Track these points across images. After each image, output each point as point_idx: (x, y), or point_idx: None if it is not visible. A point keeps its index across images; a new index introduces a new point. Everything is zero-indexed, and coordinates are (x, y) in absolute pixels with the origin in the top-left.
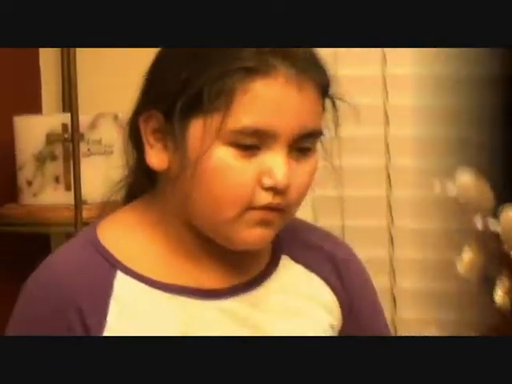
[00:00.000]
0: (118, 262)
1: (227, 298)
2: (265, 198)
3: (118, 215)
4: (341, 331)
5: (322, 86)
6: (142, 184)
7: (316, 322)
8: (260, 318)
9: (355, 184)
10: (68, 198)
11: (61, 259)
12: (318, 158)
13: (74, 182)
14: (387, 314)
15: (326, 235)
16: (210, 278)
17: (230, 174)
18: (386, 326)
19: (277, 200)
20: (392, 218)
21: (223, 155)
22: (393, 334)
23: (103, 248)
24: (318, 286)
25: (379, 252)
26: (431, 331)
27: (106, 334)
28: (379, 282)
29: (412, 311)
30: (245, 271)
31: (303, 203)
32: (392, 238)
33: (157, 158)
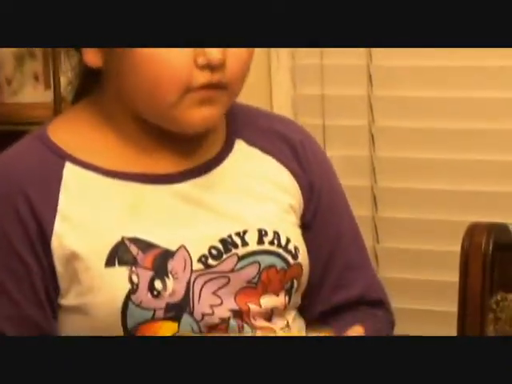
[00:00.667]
0: (66, 153)
1: (179, 181)
2: (203, 77)
3: (67, 114)
4: (305, 214)
5: None
6: (86, 84)
7: (274, 203)
8: (214, 199)
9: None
10: (47, 96)
11: (9, 153)
12: None
13: (53, 80)
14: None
15: (282, 119)
16: (161, 165)
17: (164, 56)
18: (348, 205)
19: (216, 77)
20: (373, 117)
21: None
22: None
23: (51, 142)
24: (275, 167)
25: (359, 152)
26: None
27: (57, 221)
28: (360, 181)
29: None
30: (197, 156)
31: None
32: (373, 138)
33: (92, 55)
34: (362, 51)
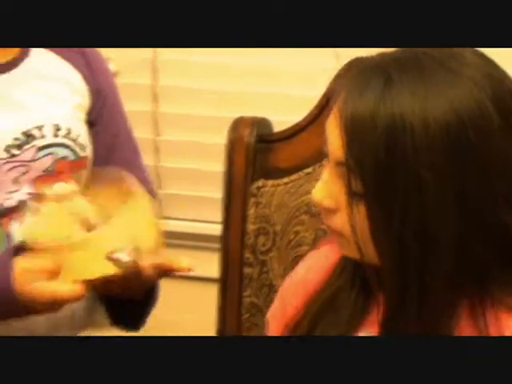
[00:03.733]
0: None
1: None
2: None
3: None
4: (91, 113)
5: None
6: None
7: (67, 102)
8: (17, 95)
9: None
10: None
11: None
12: None
13: None
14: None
15: None
16: None
17: None
18: (124, 112)
19: None
20: None
21: None
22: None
23: None
24: (70, 71)
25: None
26: None
27: None
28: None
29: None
30: None
31: None
32: None
33: None
34: None
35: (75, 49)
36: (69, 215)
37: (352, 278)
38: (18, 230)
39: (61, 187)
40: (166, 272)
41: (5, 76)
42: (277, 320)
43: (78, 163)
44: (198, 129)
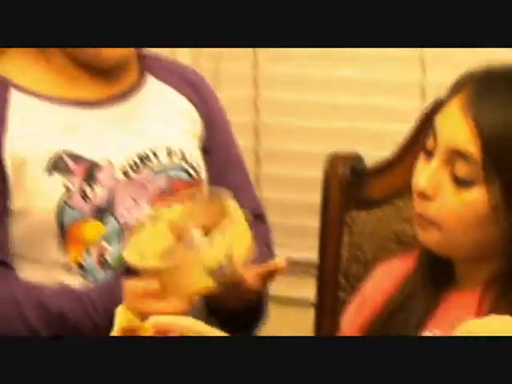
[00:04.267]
0: (10, 82)
1: (106, 106)
2: None
3: (5, 51)
4: (203, 140)
5: None
6: None
7: (180, 128)
8: (133, 122)
9: None
10: None
11: None
12: None
13: None
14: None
15: (185, 65)
16: (88, 92)
17: None
18: (235, 137)
19: None
20: None
21: None
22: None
23: None
24: (181, 100)
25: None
26: None
27: (8, 136)
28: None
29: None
30: (116, 87)
31: None
32: None
33: None
34: None
35: (186, 79)
36: (174, 234)
37: (423, 281)
38: (128, 248)
39: (169, 208)
40: (267, 277)
41: (124, 104)
42: (350, 322)
43: (192, 184)
44: (297, 163)
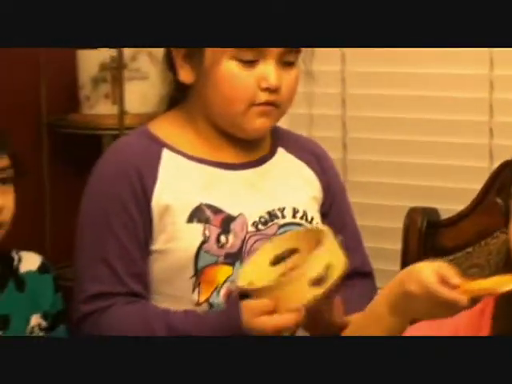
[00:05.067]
0: (163, 142)
1: (241, 169)
2: (263, 96)
3: (162, 117)
4: (323, 205)
5: None
6: (177, 96)
7: (304, 192)
8: (264, 183)
9: None
10: (114, 109)
11: (122, 142)
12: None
13: (119, 98)
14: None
15: (310, 139)
16: (228, 157)
17: (236, 79)
18: (350, 203)
19: (272, 97)
20: None
21: (229, 67)
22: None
23: (153, 134)
24: (305, 169)
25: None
26: None
27: (156, 188)
28: None
29: None
30: (253, 154)
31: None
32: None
33: (186, 75)
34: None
35: (311, 152)
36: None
37: None
38: (241, 277)
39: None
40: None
41: (257, 169)
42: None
43: None
44: (378, 216)
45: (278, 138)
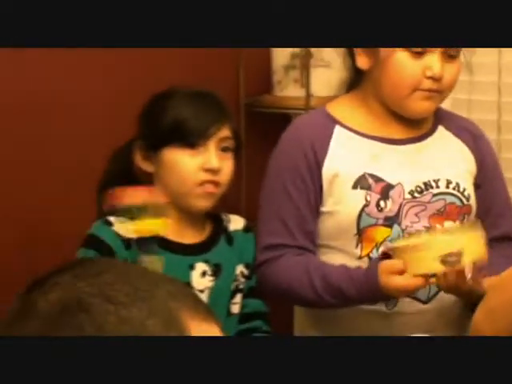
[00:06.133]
0: (336, 120)
1: (404, 144)
2: (427, 83)
3: (339, 99)
4: (476, 178)
5: None
6: (354, 81)
7: (459, 166)
8: (423, 157)
9: None
10: (302, 92)
11: (300, 120)
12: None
13: (306, 82)
14: None
15: (469, 120)
16: (393, 133)
17: (407, 67)
18: (503, 178)
19: (435, 85)
20: None
21: (401, 57)
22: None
23: (328, 113)
24: (461, 146)
25: None
26: None
27: (327, 157)
28: None
29: None
30: (416, 131)
31: None
32: None
33: (363, 62)
34: None
35: (468, 131)
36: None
37: None
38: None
39: (449, 224)
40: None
41: (418, 144)
42: None
43: (463, 209)
44: None
45: (440, 118)
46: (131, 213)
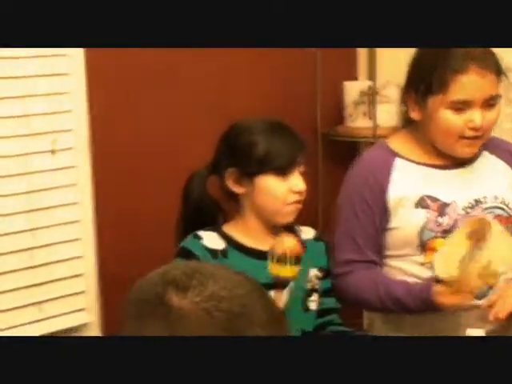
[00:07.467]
0: (396, 153)
1: (454, 169)
2: (470, 132)
3: (397, 134)
4: None
5: (496, 70)
6: (409, 121)
7: (503, 184)
8: (471, 178)
9: None
10: (370, 123)
11: (366, 155)
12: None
13: (373, 115)
14: None
15: (507, 141)
16: (445, 160)
17: (451, 122)
18: None
19: (478, 133)
20: None
21: (445, 114)
22: None
23: (388, 147)
24: (504, 166)
25: None
26: None
27: (390, 185)
28: None
29: None
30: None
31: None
32: None
33: (415, 114)
34: None
35: (506, 149)
36: (471, 240)
37: None
38: (437, 262)
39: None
40: None
41: (466, 167)
42: None
43: (509, 219)
44: None
45: (484, 144)
46: (278, 257)
